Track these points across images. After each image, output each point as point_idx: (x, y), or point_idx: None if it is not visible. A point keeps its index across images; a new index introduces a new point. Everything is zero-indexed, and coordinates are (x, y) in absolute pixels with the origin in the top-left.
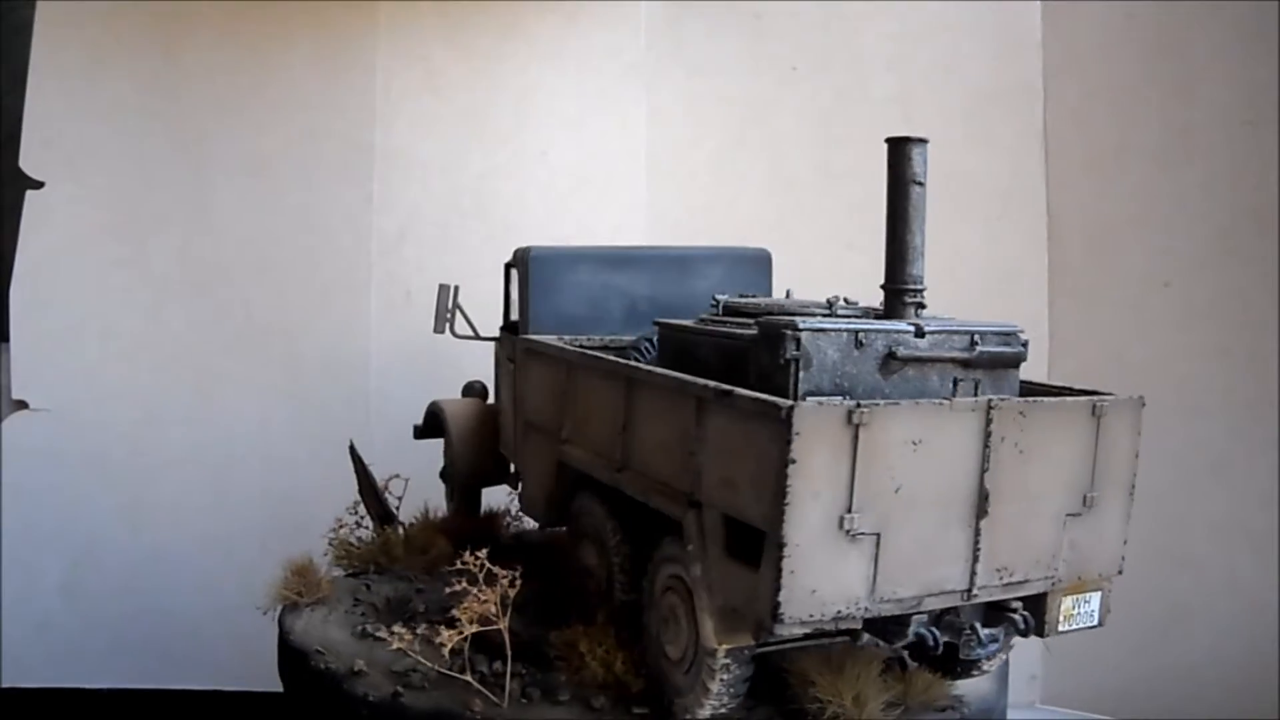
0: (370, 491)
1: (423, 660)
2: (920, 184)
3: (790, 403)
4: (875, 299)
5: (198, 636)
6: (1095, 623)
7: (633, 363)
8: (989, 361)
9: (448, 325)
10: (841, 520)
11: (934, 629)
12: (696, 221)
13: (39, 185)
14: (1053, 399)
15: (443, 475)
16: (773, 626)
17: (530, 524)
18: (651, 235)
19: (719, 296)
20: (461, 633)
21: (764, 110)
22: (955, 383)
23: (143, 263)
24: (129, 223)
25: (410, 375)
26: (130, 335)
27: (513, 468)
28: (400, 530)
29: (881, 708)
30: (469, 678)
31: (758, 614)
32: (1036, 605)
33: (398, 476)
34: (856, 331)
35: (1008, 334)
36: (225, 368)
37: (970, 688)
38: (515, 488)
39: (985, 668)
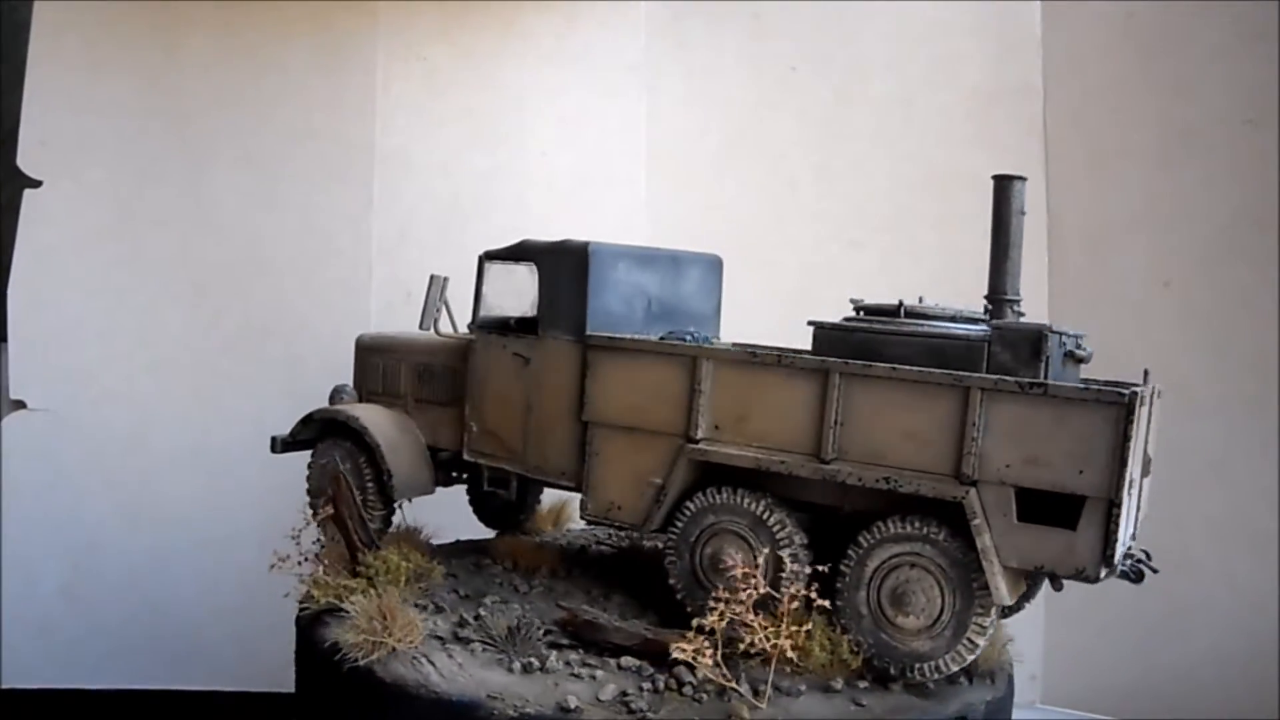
0: (359, 519)
1: (713, 677)
2: (1024, 213)
3: (1129, 390)
4: (878, 297)
5: (198, 636)
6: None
7: (863, 362)
8: (1088, 358)
9: (435, 321)
10: (1130, 484)
11: (1134, 563)
12: (696, 221)
13: (37, 184)
14: (1151, 388)
15: (312, 494)
16: (1099, 575)
17: (454, 535)
18: (652, 235)
19: (906, 302)
20: (766, 637)
21: (764, 110)
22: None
23: (142, 262)
24: (128, 222)
25: None
26: (130, 335)
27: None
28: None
29: (1004, 646)
30: (736, 685)
31: (1077, 565)
32: None
33: (356, 493)
34: (1060, 335)
35: (1080, 336)
36: (225, 368)
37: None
38: (492, 493)
39: (1026, 606)
